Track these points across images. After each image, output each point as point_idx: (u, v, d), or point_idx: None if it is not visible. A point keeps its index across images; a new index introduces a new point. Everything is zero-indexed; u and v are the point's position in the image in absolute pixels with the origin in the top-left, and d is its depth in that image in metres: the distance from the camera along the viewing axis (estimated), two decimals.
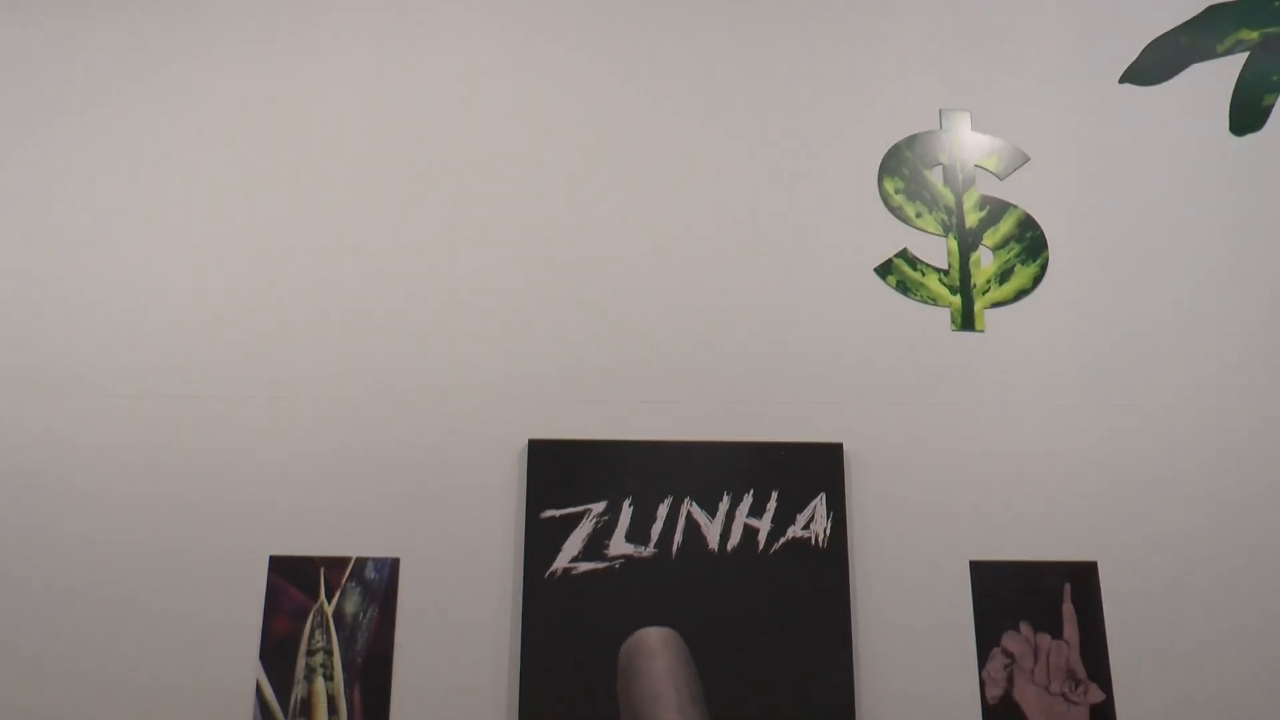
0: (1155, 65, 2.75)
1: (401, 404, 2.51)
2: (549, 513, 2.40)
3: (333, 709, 2.32)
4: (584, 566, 2.38)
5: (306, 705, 2.33)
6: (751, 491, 2.42)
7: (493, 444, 2.48)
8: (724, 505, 2.41)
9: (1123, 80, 2.74)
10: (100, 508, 2.44)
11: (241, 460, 2.47)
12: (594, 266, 2.60)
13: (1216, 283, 2.60)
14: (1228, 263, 2.61)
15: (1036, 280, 2.60)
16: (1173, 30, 2.76)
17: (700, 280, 2.60)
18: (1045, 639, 2.37)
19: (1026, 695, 2.35)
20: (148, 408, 2.50)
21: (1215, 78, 2.73)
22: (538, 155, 2.68)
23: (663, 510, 2.41)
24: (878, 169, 2.67)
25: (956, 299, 2.58)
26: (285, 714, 2.32)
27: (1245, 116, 2.71)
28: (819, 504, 2.41)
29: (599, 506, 2.41)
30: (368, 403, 2.51)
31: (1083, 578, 2.41)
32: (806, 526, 2.40)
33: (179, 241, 2.62)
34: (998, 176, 2.67)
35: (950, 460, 2.48)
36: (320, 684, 2.34)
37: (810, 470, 2.44)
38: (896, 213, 2.64)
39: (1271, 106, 2.71)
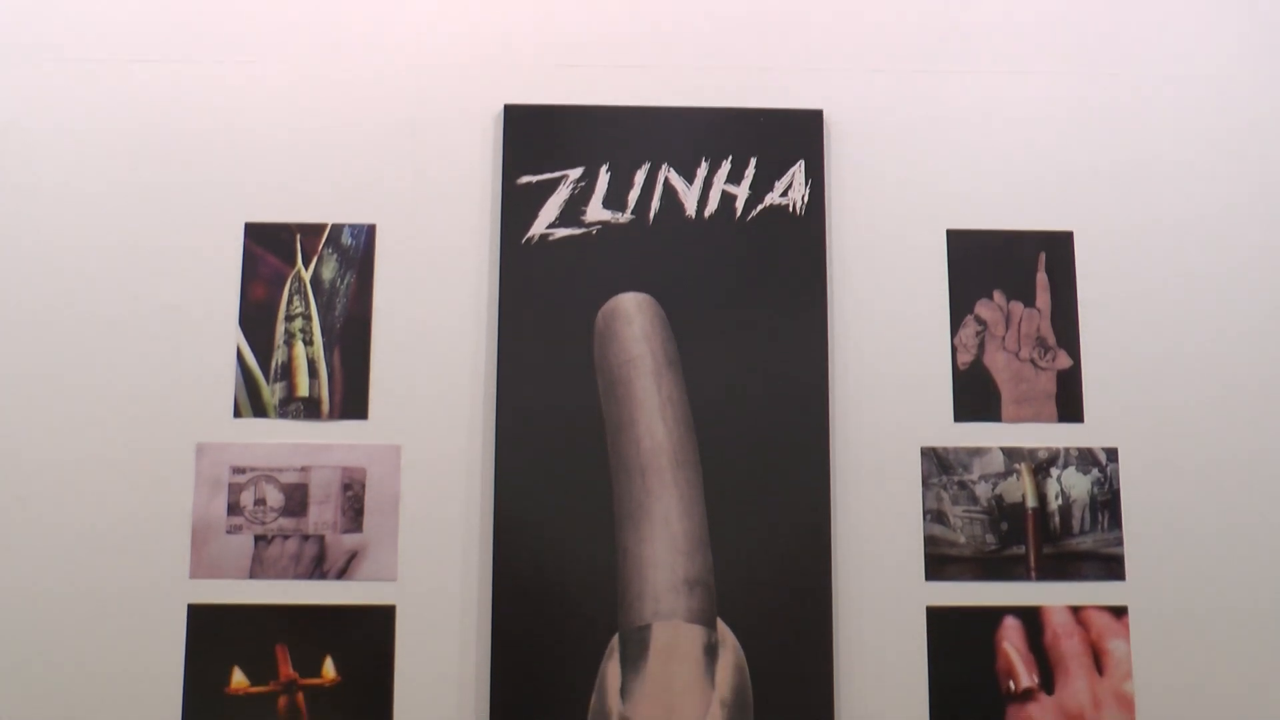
0: None
1: (376, 68, 2.45)
2: (525, 178, 2.38)
3: (313, 372, 2.35)
4: (560, 232, 2.37)
5: (287, 369, 2.36)
6: (730, 158, 2.40)
7: (468, 109, 2.43)
8: (702, 171, 2.39)
9: None
10: (67, 180, 2.40)
11: (212, 127, 2.42)
12: None
13: None
14: None
15: None
16: None
17: None
18: (1017, 306, 2.40)
19: (996, 361, 2.39)
20: (114, 74, 2.43)
21: None
22: None
23: (640, 176, 2.39)
24: None
25: None
26: (267, 378, 2.35)
27: None
28: (797, 171, 2.40)
29: (575, 172, 2.39)
30: (340, 67, 2.45)
31: (1058, 247, 2.42)
32: (784, 194, 2.39)
33: None
34: None
35: (931, 128, 2.46)
36: (300, 348, 2.36)
37: (789, 137, 2.41)
38: None
39: None
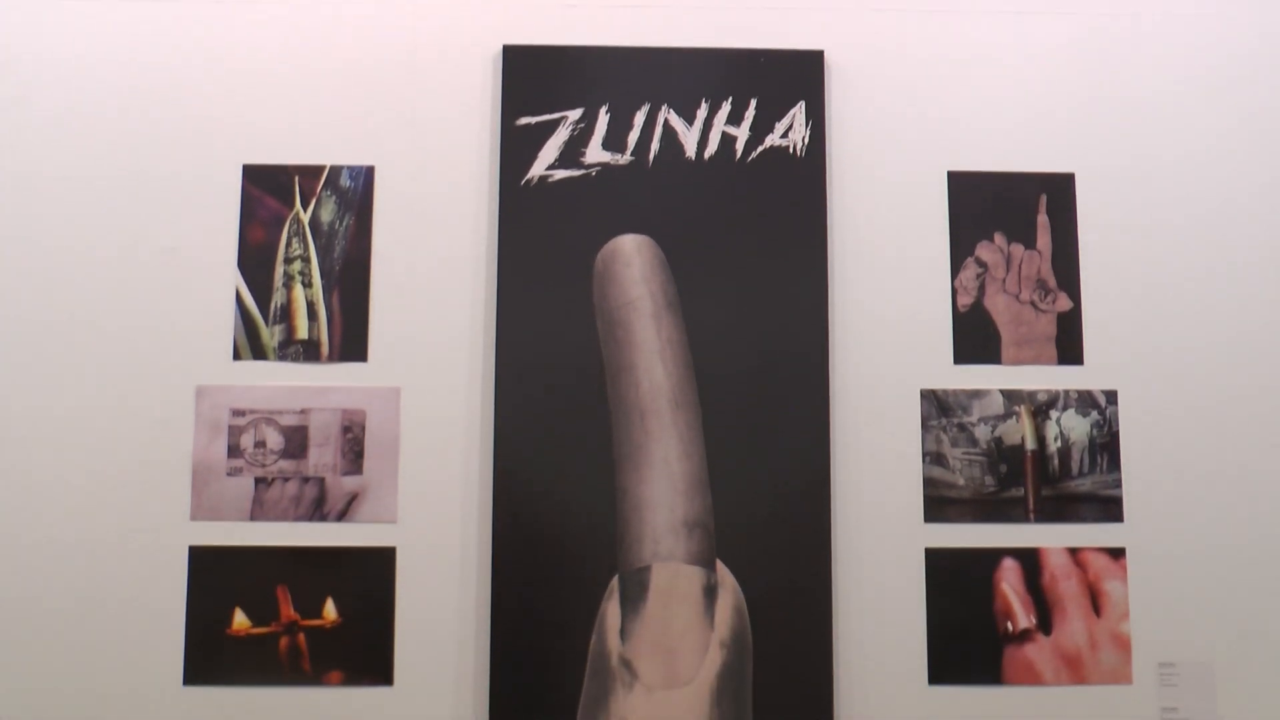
0: None
1: (374, 8, 2.43)
2: (524, 120, 2.37)
3: (312, 314, 2.35)
4: (560, 174, 2.36)
5: (286, 311, 2.35)
6: (730, 99, 2.38)
7: (467, 50, 2.42)
8: (702, 113, 2.38)
9: None
10: (61, 120, 2.38)
11: (209, 68, 2.41)
12: None
13: None
14: None
15: None
16: None
17: None
18: (1018, 249, 2.40)
19: (997, 303, 2.38)
20: (110, 13, 2.41)
21: None
22: None
23: (639, 118, 2.38)
24: None
25: None
26: (266, 320, 2.35)
27: None
28: (798, 112, 2.38)
29: (575, 114, 2.37)
30: (339, 7, 2.43)
31: (1059, 189, 2.41)
32: (785, 135, 2.38)
33: None
34: None
35: (932, 70, 2.44)
36: (299, 291, 2.36)
37: (790, 78, 2.39)
38: None
39: None
